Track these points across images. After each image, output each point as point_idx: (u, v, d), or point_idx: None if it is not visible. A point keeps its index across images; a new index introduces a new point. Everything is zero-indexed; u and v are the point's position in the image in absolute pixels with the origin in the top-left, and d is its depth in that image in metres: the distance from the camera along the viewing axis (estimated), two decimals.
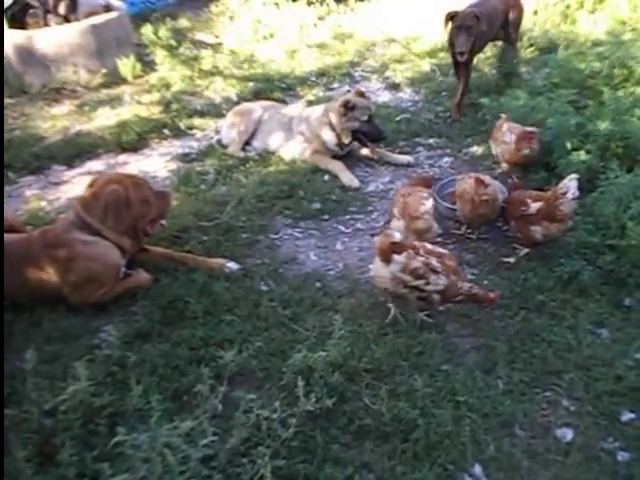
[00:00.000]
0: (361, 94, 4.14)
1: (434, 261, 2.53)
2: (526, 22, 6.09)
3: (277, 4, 7.40)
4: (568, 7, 6.33)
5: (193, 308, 2.72)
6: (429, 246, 2.64)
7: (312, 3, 7.56)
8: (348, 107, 3.96)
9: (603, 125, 3.55)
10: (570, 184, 2.85)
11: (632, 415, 2.16)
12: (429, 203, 2.87)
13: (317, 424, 2.14)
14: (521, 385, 2.30)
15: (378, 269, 2.63)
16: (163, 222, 3.10)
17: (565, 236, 2.98)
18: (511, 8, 4.83)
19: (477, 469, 2.01)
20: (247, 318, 2.67)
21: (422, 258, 2.53)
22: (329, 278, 2.99)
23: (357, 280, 2.96)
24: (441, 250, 2.64)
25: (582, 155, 3.41)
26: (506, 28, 4.87)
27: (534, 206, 2.93)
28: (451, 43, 4.45)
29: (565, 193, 2.84)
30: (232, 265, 3.00)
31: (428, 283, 2.52)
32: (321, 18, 7.33)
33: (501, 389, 2.29)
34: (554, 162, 3.49)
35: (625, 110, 3.71)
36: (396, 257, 2.54)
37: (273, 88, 5.29)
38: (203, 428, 2.02)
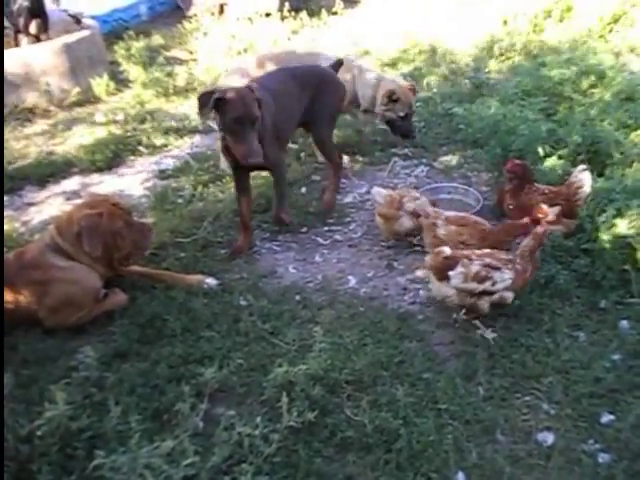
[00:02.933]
0: (412, 89, 4.12)
1: (489, 260, 2.52)
2: (497, 32, 6.24)
3: (250, 19, 7.44)
4: (537, 16, 6.45)
5: (172, 325, 2.69)
6: (477, 251, 2.62)
7: (285, 18, 7.62)
8: (392, 99, 3.97)
9: (573, 131, 3.62)
10: (583, 176, 2.88)
11: (611, 417, 2.17)
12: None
13: (299, 438, 2.12)
14: (501, 391, 2.31)
15: (439, 289, 2.61)
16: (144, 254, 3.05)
17: None
18: (321, 86, 3.39)
19: (460, 477, 2.01)
20: (227, 334, 2.65)
21: (478, 261, 2.51)
22: (308, 290, 2.98)
23: (336, 292, 2.96)
24: (488, 250, 2.62)
25: (554, 161, 3.47)
26: (313, 116, 3.42)
27: (552, 211, 2.88)
28: (226, 148, 3.00)
29: (581, 187, 2.87)
30: (210, 281, 2.98)
31: (495, 282, 2.48)
32: (295, 32, 7.38)
33: (482, 395, 2.29)
34: None
35: (594, 115, 3.80)
36: (452, 272, 2.51)
37: None
38: (184, 447, 1.99)
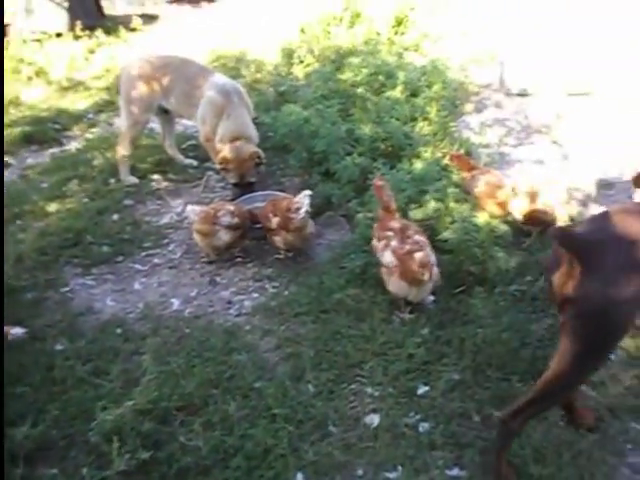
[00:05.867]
0: (252, 157, 3.73)
1: None
2: (295, 39, 6.48)
3: (39, 40, 6.93)
4: (329, 24, 6.82)
5: None
6: None
7: (79, 37, 7.21)
8: (222, 168, 3.75)
9: (368, 129, 3.89)
10: (304, 200, 3.12)
11: (426, 387, 2.37)
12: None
13: None
14: (329, 384, 2.41)
15: None
16: None
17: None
18: None
19: (299, 477, 2.06)
20: (40, 385, 2.43)
21: None
22: (130, 321, 2.85)
23: (160, 317, 2.87)
24: None
25: (355, 158, 3.69)
26: None
27: (274, 221, 3.14)
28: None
29: (299, 208, 3.10)
30: (16, 330, 2.72)
31: None
32: (92, 52, 7.03)
33: (312, 392, 2.37)
34: (332, 168, 3.73)
35: (385, 113, 4.11)
36: None
37: (46, 130, 4.94)
38: None
